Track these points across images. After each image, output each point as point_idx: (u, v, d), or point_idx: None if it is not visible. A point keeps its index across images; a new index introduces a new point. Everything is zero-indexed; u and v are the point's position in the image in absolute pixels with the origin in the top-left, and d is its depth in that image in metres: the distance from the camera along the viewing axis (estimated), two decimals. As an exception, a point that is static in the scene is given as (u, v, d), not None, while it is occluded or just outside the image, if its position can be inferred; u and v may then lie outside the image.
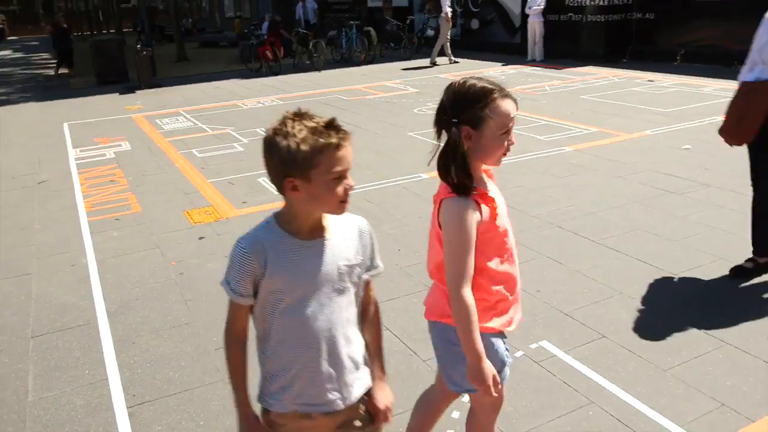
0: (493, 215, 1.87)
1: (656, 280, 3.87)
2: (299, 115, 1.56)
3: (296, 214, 1.63)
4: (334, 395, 1.70)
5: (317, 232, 1.66)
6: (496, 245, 1.92)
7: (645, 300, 3.67)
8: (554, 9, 14.11)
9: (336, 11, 22.60)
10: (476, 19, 16.78)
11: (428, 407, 2.30)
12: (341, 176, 1.57)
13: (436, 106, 1.88)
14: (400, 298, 3.80)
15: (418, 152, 6.92)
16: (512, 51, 15.23)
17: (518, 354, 3.16)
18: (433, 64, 14.56)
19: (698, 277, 3.90)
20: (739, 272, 3.83)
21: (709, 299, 3.64)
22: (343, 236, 1.70)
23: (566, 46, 14.04)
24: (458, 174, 1.80)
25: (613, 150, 6.79)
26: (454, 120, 1.80)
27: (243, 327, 1.70)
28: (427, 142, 7.10)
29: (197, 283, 4.22)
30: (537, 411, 2.78)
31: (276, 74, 14.70)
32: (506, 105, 1.80)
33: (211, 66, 17.18)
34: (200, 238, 4.99)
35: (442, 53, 14.72)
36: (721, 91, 9.36)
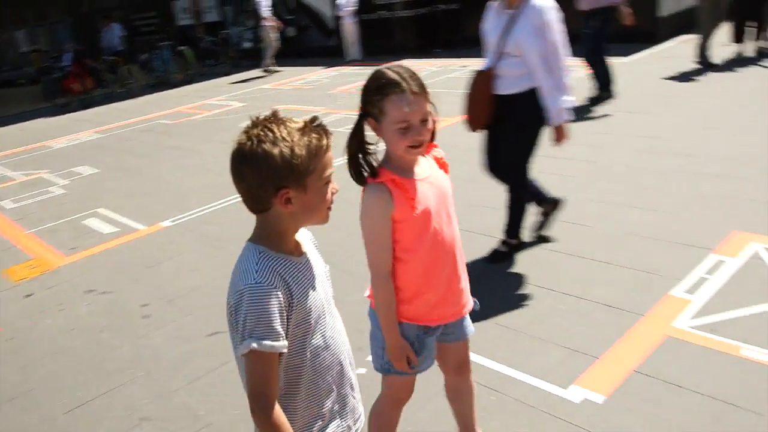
0: (409, 204, 1.84)
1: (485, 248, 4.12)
2: (278, 119, 1.40)
3: (285, 231, 1.47)
4: (358, 409, 1.67)
5: (299, 247, 1.53)
6: (414, 235, 1.89)
7: (482, 269, 3.90)
8: (365, 9, 14.53)
9: (144, 33, 21.53)
10: (292, 27, 16.80)
11: (381, 417, 2.26)
12: (329, 180, 1.46)
13: None
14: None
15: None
16: (331, 53, 15.44)
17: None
18: (267, 71, 14.42)
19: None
20: (496, 257, 3.99)
21: (536, 257, 3.96)
22: (310, 247, 1.58)
23: (381, 43, 14.50)
24: (358, 163, 1.85)
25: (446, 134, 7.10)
26: (361, 112, 1.86)
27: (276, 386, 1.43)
28: (262, 154, 6.96)
29: (32, 346, 3.80)
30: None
31: (88, 107, 13.68)
32: (399, 101, 1.77)
33: (12, 107, 15.60)
34: (27, 296, 4.51)
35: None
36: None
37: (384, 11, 14.61)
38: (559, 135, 3.70)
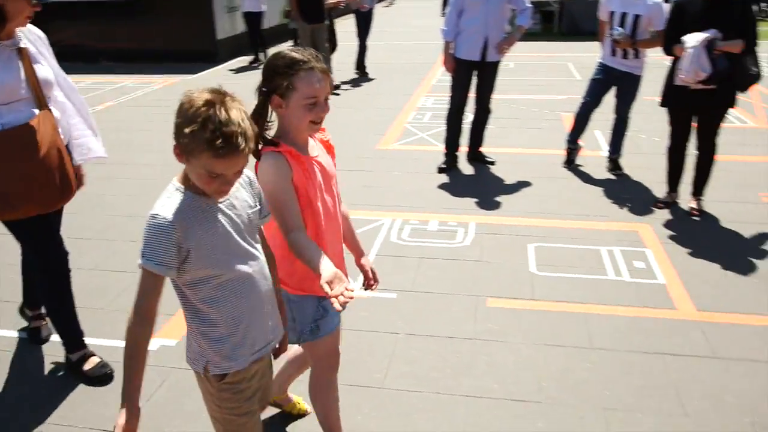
0: (305, 175, 1.95)
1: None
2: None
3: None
4: (272, 333, 1.88)
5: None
6: (305, 207, 1.98)
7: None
8: None
9: None
10: None
11: (318, 390, 2.34)
12: None
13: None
14: None
15: None
16: None
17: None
18: None
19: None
20: None
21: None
22: (239, 192, 1.76)
23: None
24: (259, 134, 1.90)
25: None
26: (263, 89, 1.94)
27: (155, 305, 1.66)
28: None
29: None
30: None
31: None
32: (309, 77, 1.90)
33: None
34: None
35: None
36: (93, 85, 10.19)
37: None
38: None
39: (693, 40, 4.16)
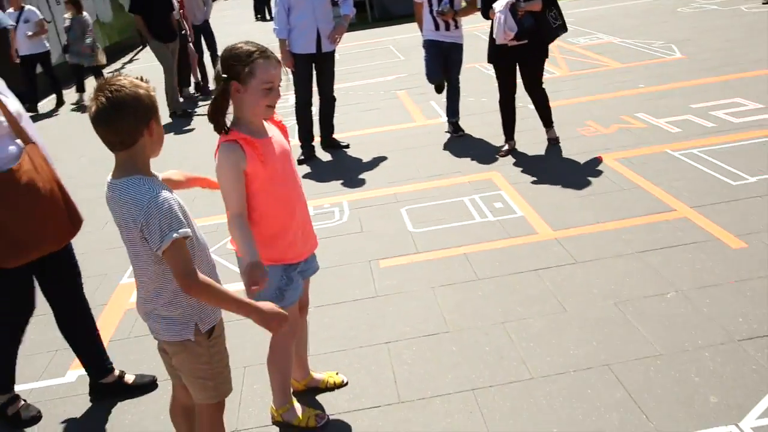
0: (259, 159, 2.18)
1: None
2: (115, 78, 1.81)
3: (149, 156, 1.94)
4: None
5: None
6: (263, 185, 2.22)
7: None
8: None
9: None
10: None
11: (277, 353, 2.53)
12: None
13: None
14: None
15: None
16: None
17: None
18: None
19: None
20: None
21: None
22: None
23: None
24: (218, 119, 2.18)
25: None
26: (223, 76, 2.15)
27: None
28: None
29: None
30: None
31: None
32: (266, 65, 2.15)
33: None
34: None
35: None
36: None
37: None
38: None
39: (499, 5, 4.84)
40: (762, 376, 2.59)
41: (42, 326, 3.71)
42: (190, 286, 1.83)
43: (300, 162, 6.05)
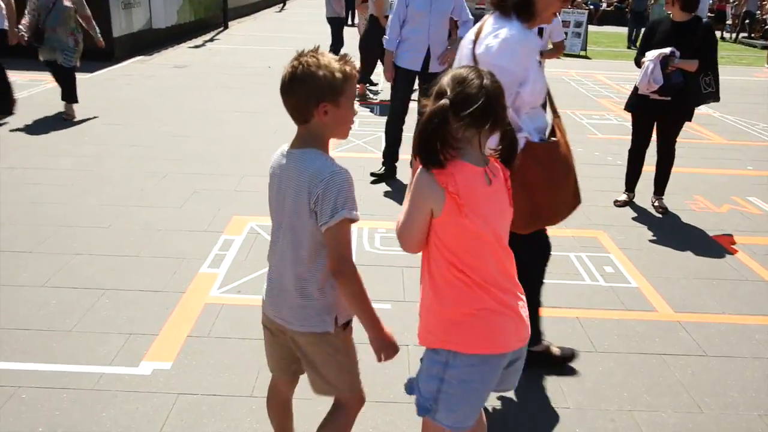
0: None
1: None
2: (320, 52, 1.77)
3: (323, 137, 1.82)
4: None
5: None
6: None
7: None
8: None
9: None
10: None
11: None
12: (353, 103, 1.86)
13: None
14: None
15: None
16: None
17: None
18: None
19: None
20: None
21: (72, 263, 3.92)
22: None
23: None
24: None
25: None
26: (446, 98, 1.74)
27: None
28: None
29: None
30: None
31: None
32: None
33: None
34: None
35: None
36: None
37: None
38: None
39: (651, 54, 4.56)
40: None
41: (116, 304, 3.45)
42: (343, 271, 1.78)
43: (374, 182, 5.71)
